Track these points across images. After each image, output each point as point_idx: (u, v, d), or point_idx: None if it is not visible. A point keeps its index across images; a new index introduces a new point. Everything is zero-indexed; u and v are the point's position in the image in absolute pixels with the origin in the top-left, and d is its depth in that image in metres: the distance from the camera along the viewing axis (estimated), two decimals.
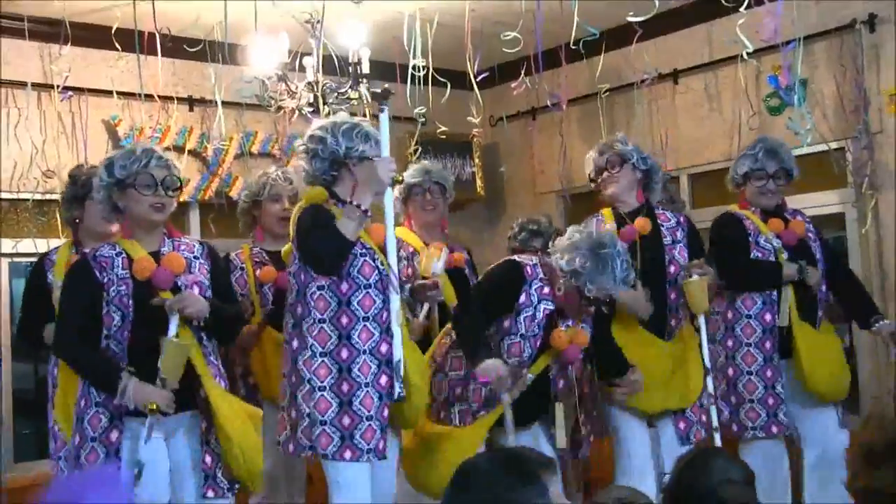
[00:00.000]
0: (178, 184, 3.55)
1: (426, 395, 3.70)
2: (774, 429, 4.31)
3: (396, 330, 3.50)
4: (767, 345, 4.32)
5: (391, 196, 3.62)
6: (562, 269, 3.81)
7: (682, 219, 4.45)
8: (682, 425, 4.24)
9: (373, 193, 3.52)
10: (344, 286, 3.50)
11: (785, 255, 4.31)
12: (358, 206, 3.45)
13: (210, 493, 3.45)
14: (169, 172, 3.50)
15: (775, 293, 4.32)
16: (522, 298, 3.89)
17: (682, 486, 2.43)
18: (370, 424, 3.46)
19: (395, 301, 3.52)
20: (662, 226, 4.36)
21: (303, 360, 3.52)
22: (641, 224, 4.30)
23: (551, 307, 3.90)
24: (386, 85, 3.77)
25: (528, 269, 3.94)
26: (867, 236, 5.13)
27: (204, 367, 3.45)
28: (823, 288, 4.42)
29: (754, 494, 2.40)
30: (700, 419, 4.25)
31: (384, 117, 3.55)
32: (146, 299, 3.42)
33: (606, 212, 4.40)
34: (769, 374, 4.31)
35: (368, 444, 3.46)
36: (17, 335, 4.33)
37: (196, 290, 3.45)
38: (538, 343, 3.89)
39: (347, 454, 3.46)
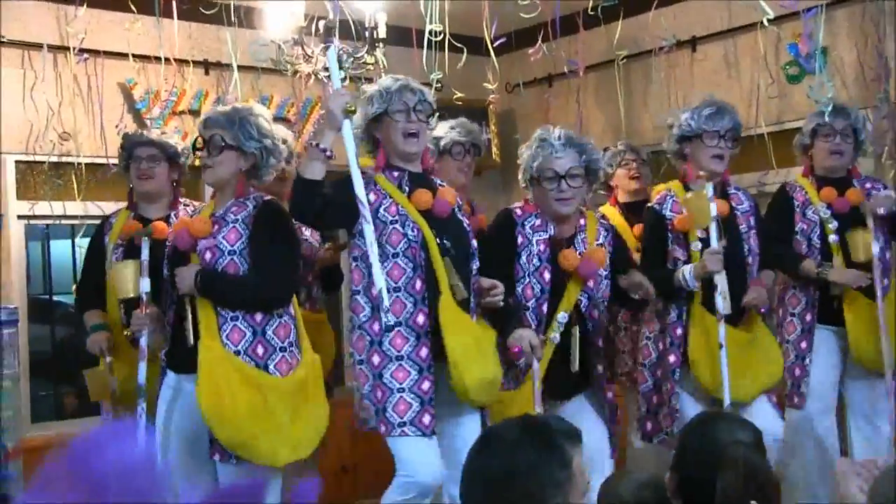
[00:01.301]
0: (216, 144, 3.55)
1: (482, 369, 3.49)
2: (796, 399, 4.32)
3: (375, 260, 3.30)
4: (808, 317, 4.36)
5: (349, 128, 3.39)
6: (522, 173, 3.93)
7: (752, 203, 4.27)
8: (775, 398, 4.13)
9: (332, 129, 3.39)
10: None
11: (833, 225, 4.29)
12: (317, 146, 3.36)
13: (216, 456, 3.44)
14: (217, 131, 3.56)
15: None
16: (520, 240, 3.85)
17: (688, 452, 2.41)
18: (402, 397, 3.37)
19: (368, 232, 3.33)
20: (736, 209, 4.17)
21: (350, 333, 3.56)
22: (720, 207, 4.05)
23: (545, 236, 3.86)
24: (328, 20, 3.72)
25: (518, 210, 3.94)
26: None
27: (209, 328, 3.43)
28: (887, 256, 4.40)
29: (763, 456, 2.38)
30: (786, 386, 4.25)
31: (331, 52, 3.49)
32: (175, 258, 3.58)
33: (677, 186, 4.23)
34: (803, 345, 4.34)
35: (402, 418, 3.36)
36: (76, 295, 4.44)
37: (208, 255, 3.48)
38: (546, 276, 3.82)
39: (382, 428, 3.41)
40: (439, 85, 5.38)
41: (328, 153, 3.37)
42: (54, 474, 0.94)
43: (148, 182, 4.16)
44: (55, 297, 5.60)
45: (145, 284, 3.63)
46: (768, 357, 4.10)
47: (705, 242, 4.01)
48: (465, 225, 3.69)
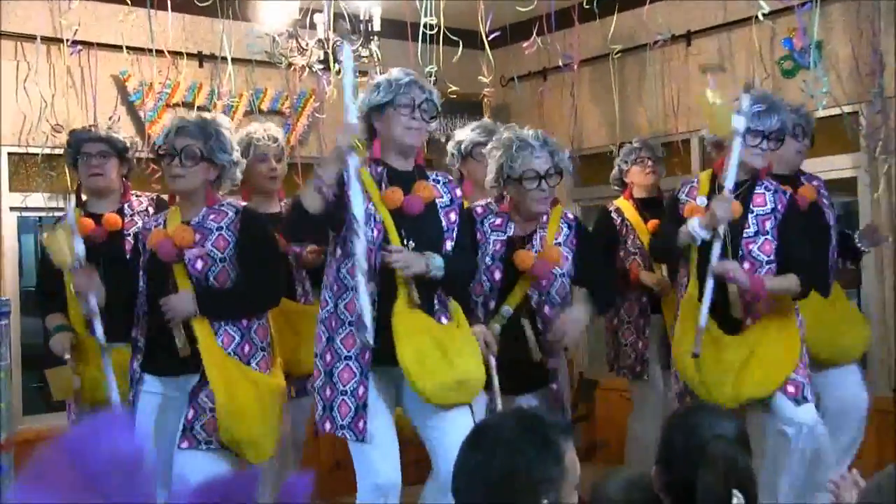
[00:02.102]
0: (191, 154, 3.55)
1: (443, 372, 3.36)
2: None
3: (360, 279, 3.21)
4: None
5: (355, 164, 3.25)
6: (496, 173, 3.84)
7: (781, 205, 3.88)
8: (791, 388, 3.79)
9: (335, 163, 3.26)
10: (339, 253, 3.42)
11: None
12: (320, 178, 3.25)
13: (184, 444, 3.48)
14: (192, 142, 3.55)
15: None
16: (479, 237, 3.85)
17: (672, 447, 2.39)
18: (344, 399, 3.36)
19: (359, 245, 3.21)
20: (753, 211, 3.87)
21: (316, 325, 3.53)
22: (734, 208, 3.77)
23: (503, 237, 3.86)
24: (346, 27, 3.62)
25: (478, 208, 3.94)
26: (879, 201, 5.09)
27: (205, 333, 3.50)
28: (834, 255, 4.41)
29: (745, 449, 2.36)
30: (809, 381, 3.86)
31: (347, 81, 3.33)
32: (155, 268, 3.59)
33: (705, 177, 4.00)
34: None
35: (343, 420, 3.36)
36: (36, 294, 4.44)
37: (199, 264, 3.52)
38: (497, 275, 3.82)
39: (327, 425, 3.41)
40: (434, 78, 5.39)
41: (329, 191, 3.25)
42: (45, 467, 0.93)
43: (99, 179, 4.16)
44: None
45: (80, 246, 3.61)
46: (763, 370, 3.80)
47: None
48: (442, 224, 3.54)
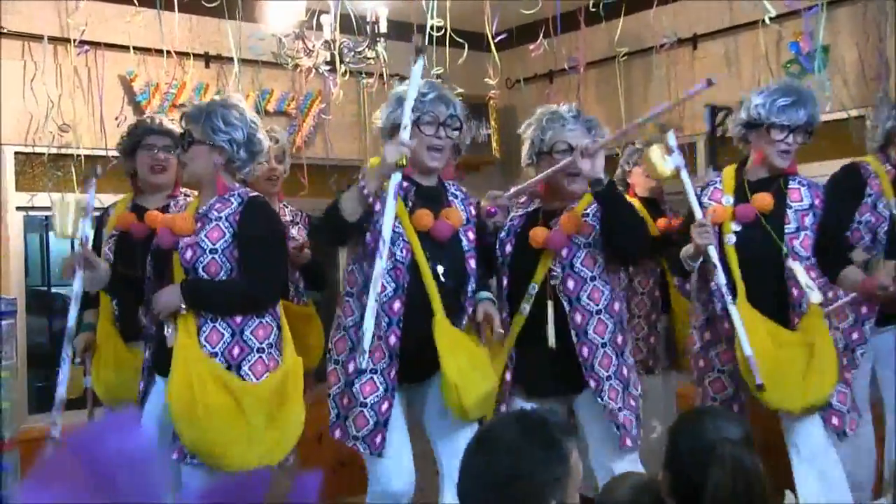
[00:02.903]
0: (182, 142, 3.47)
1: (478, 386, 3.35)
2: None
3: (372, 300, 3.18)
4: (864, 309, 4.02)
5: (396, 180, 3.24)
6: (528, 149, 3.72)
7: (818, 200, 3.74)
8: (835, 421, 3.60)
9: (378, 175, 3.27)
10: (366, 266, 3.36)
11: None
12: (362, 188, 3.25)
13: (175, 455, 3.33)
14: (188, 127, 3.47)
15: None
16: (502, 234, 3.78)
17: (678, 451, 2.39)
18: (362, 411, 3.33)
19: (378, 265, 3.19)
20: (791, 206, 3.70)
21: (332, 331, 3.52)
22: (761, 201, 3.69)
23: (521, 212, 3.74)
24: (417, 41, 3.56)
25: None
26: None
27: (188, 330, 3.33)
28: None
29: (751, 452, 2.36)
30: (851, 405, 3.66)
31: (411, 91, 3.31)
32: (159, 255, 3.50)
33: (729, 174, 3.83)
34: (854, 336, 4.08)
35: (358, 432, 3.34)
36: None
37: (189, 253, 3.36)
38: (507, 249, 3.70)
39: (337, 433, 3.41)
40: (440, 80, 5.39)
41: (370, 199, 3.27)
42: (53, 467, 0.94)
43: (162, 174, 4.10)
44: (53, 289, 5.60)
45: (87, 229, 3.51)
46: (821, 370, 3.56)
47: (740, 235, 3.68)
48: (463, 246, 3.52)
